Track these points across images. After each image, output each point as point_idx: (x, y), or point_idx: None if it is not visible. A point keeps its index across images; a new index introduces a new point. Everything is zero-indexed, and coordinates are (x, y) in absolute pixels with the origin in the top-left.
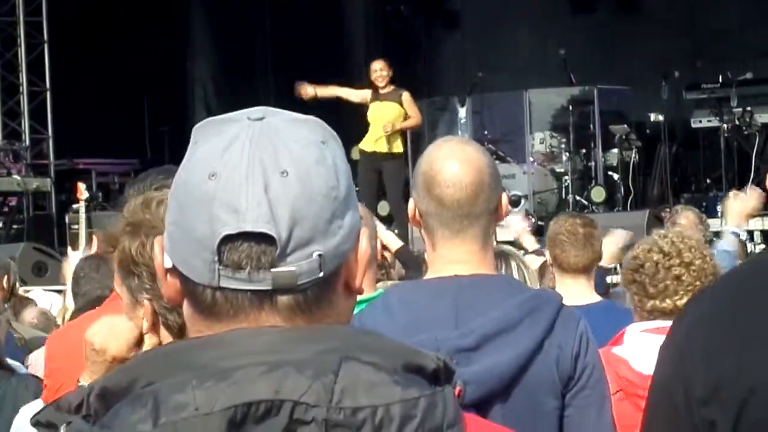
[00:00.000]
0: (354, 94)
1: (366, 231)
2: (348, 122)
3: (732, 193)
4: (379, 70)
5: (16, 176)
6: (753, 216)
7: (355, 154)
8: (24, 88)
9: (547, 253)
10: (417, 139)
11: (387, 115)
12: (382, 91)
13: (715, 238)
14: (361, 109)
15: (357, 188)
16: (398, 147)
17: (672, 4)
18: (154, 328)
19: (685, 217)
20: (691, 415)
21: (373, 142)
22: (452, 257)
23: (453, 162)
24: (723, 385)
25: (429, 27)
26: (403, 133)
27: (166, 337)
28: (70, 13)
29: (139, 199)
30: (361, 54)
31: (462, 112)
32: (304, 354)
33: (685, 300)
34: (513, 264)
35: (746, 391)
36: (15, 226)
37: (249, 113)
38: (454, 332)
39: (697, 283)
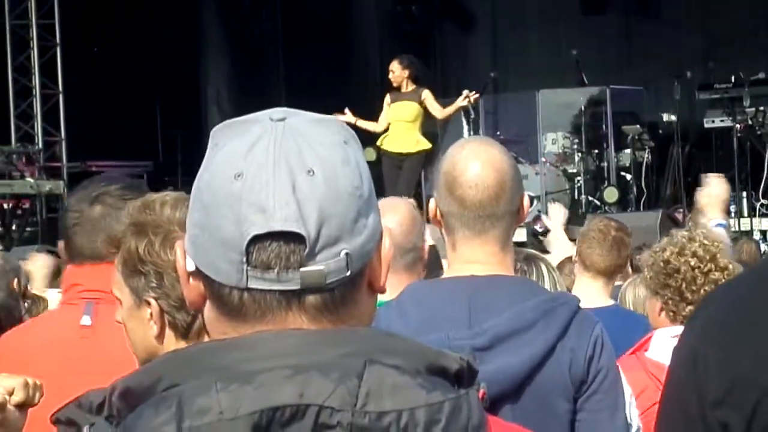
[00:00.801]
0: (376, 125)
1: (389, 230)
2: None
3: (705, 183)
4: (391, 71)
5: (29, 179)
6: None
7: (368, 156)
8: (37, 91)
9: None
10: (431, 140)
11: (404, 115)
12: (403, 91)
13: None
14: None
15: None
16: (421, 144)
17: (684, 5)
18: (162, 331)
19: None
20: (704, 418)
21: (395, 142)
22: (471, 257)
23: (476, 163)
24: (737, 387)
25: (440, 27)
26: (431, 128)
27: (170, 337)
28: (83, 16)
29: (138, 201)
30: (372, 54)
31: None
32: (328, 357)
33: None
34: (543, 267)
35: (760, 393)
36: (28, 229)
37: (270, 114)
38: (466, 331)
39: None
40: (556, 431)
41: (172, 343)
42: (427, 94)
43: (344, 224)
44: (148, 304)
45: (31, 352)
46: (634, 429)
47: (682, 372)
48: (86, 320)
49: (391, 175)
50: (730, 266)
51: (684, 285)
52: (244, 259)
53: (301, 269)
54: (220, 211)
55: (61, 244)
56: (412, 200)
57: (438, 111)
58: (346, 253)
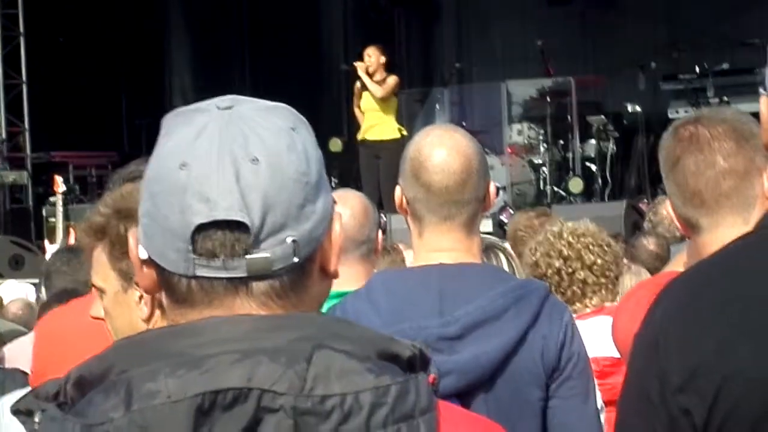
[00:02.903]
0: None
1: (339, 215)
2: (324, 114)
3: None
4: (367, 56)
5: None
6: None
7: (334, 146)
8: (0, 80)
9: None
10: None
11: (377, 104)
12: (375, 79)
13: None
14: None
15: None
16: (394, 133)
17: None
18: (152, 312)
19: (667, 207)
20: (666, 404)
21: (369, 131)
22: (438, 245)
23: (441, 149)
24: (699, 373)
25: (407, 17)
26: (399, 119)
27: (158, 317)
28: (47, 6)
29: (117, 191)
30: (338, 43)
31: (439, 103)
32: (277, 342)
33: (595, 299)
34: (502, 257)
35: (722, 379)
36: None
37: (217, 102)
38: (437, 320)
39: (603, 279)
40: (530, 419)
41: (159, 323)
42: (389, 79)
43: (290, 211)
44: (138, 285)
45: (73, 336)
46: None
47: (643, 358)
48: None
49: (369, 165)
50: (599, 261)
51: (553, 288)
52: (190, 248)
53: (247, 257)
54: (166, 201)
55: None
56: (361, 194)
57: (381, 88)
58: (293, 240)
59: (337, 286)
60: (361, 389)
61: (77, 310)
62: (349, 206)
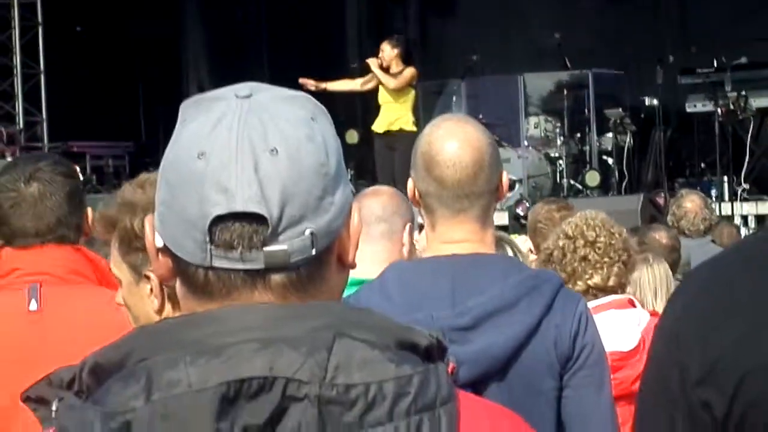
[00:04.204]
0: (363, 82)
1: (357, 206)
2: (340, 105)
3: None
4: (381, 50)
5: (10, 159)
6: None
7: (350, 138)
8: (18, 70)
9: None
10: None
11: (394, 95)
12: (392, 72)
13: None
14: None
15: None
16: (409, 125)
17: None
18: (162, 305)
19: (691, 201)
20: (686, 397)
21: (384, 122)
22: (452, 237)
23: (453, 141)
24: (719, 366)
25: (424, 10)
26: (415, 111)
27: (169, 309)
28: None
29: (134, 181)
30: (353, 35)
31: (456, 96)
32: (298, 331)
33: (596, 278)
34: (508, 250)
35: (743, 372)
36: None
37: (236, 90)
38: (450, 311)
39: (606, 259)
40: (543, 409)
41: (171, 315)
42: (406, 71)
43: (308, 203)
44: (148, 278)
45: None
46: None
47: (663, 351)
48: (33, 305)
49: (384, 156)
50: (601, 239)
51: (557, 267)
52: (208, 239)
53: (264, 249)
54: (183, 190)
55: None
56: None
57: (393, 80)
58: (311, 232)
59: (356, 272)
60: (384, 379)
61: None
62: (380, 192)
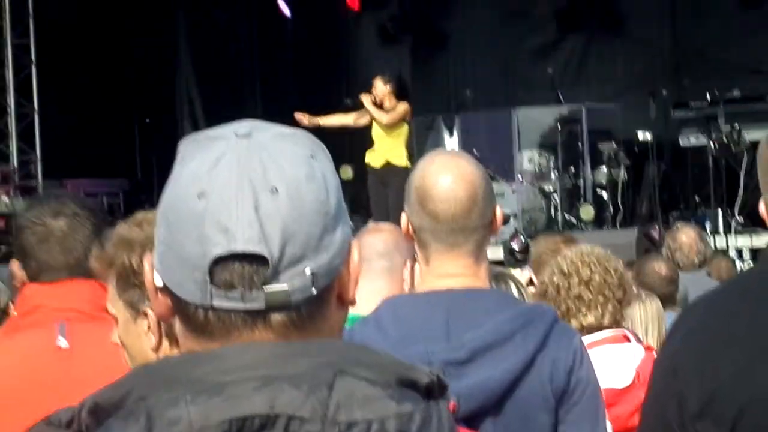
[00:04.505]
0: (354, 117)
1: (357, 244)
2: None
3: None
4: (374, 87)
5: (4, 198)
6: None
7: (345, 174)
8: (12, 109)
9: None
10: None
11: (387, 130)
12: (385, 107)
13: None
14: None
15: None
16: (402, 160)
17: (653, 22)
18: (160, 342)
19: (686, 234)
20: (685, 429)
21: (378, 157)
22: (446, 271)
23: (447, 176)
24: (717, 399)
25: (416, 45)
26: (408, 146)
27: (167, 347)
28: (58, 35)
29: (132, 219)
30: (345, 72)
31: (450, 131)
32: (299, 368)
33: (590, 318)
34: (512, 285)
35: (741, 405)
36: (3, 248)
37: (236, 129)
38: (445, 345)
39: (600, 298)
40: None
41: (168, 353)
42: (399, 106)
43: (309, 242)
44: (145, 315)
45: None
46: None
47: (662, 383)
48: (63, 342)
49: (378, 192)
50: (596, 277)
51: (552, 304)
52: (208, 279)
53: (265, 288)
54: (183, 230)
55: (15, 263)
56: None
57: (385, 116)
58: (312, 271)
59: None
60: (386, 416)
61: (6, 351)
62: (382, 229)
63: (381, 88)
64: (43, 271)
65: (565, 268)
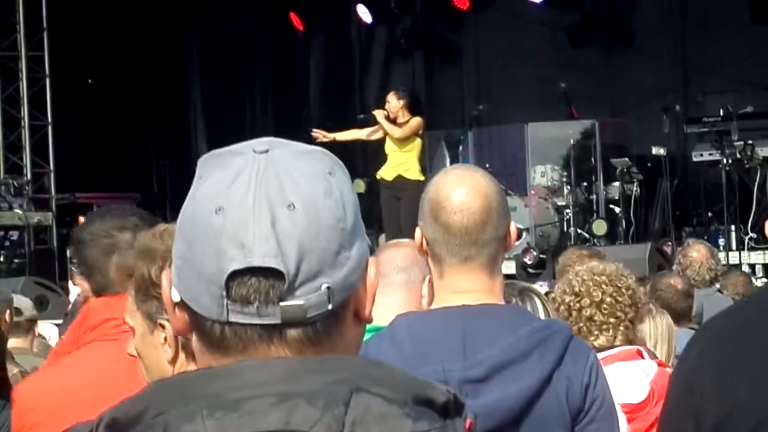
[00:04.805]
0: (369, 132)
1: (374, 260)
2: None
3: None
4: (387, 102)
5: (17, 210)
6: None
7: (357, 188)
8: (25, 122)
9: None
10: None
11: (400, 145)
12: (399, 122)
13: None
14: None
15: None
16: (415, 173)
17: (666, 38)
18: (176, 354)
19: (697, 251)
20: None
21: (390, 171)
22: (460, 286)
23: (461, 189)
24: (734, 415)
25: (428, 60)
26: (421, 160)
27: (183, 359)
28: (72, 48)
29: (152, 230)
30: (358, 87)
31: (463, 145)
32: (315, 385)
33: (602, 339)
34: (537, 301)
35: (757, 420)
36: (16, 261)
37: (254, 145)
38: (461, 363)
39: (612, 319)
40: None
41: (184, 366)
42: (412, 121)
43: (325, 258)
44: (162, 327)
45: (72, 397)
46: None
47: (678, 400)
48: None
49: (390, 205)
50: (608, 299)
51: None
52: (224, 294)
53: (281, 304)
54: (201, 245)
55: (80, 278)
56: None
57: (398, 130)
58: (328, 287)
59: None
60: None
61: (74, 369)
62: (401, 244)
63: (394, 103)
64: (111, 285)
65: (577, 288)
